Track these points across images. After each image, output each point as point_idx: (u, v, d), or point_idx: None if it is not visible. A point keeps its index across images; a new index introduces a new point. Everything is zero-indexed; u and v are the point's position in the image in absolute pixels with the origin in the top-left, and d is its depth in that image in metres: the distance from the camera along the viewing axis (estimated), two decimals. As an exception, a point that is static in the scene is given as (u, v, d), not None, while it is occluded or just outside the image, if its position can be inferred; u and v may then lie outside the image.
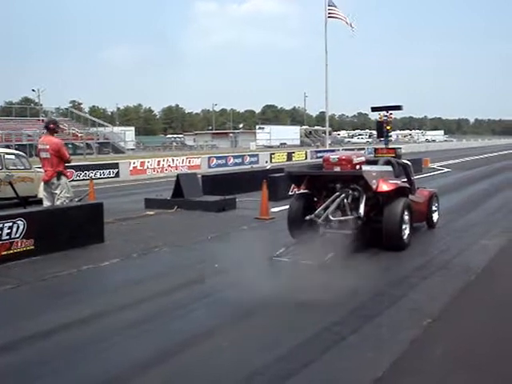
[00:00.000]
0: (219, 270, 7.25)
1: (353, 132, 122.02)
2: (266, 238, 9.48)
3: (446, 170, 28.33)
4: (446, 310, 5.70)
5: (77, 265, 7.72)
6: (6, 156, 14.85)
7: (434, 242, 9.45)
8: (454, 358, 4.55)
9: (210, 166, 30.93)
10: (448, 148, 71.86)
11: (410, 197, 9.36)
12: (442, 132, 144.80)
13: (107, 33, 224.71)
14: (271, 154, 39.61)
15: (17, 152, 17.23)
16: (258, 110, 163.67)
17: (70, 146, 41.72)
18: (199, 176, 15.75)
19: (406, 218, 8.59)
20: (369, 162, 9.48)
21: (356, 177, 8.55)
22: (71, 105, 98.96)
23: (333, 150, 46.75)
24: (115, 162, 27.57)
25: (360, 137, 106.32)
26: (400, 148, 30.62)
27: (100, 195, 15.31)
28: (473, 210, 13.32)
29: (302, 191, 9.53)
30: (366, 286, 6.51)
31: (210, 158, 32.76)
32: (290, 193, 15.57)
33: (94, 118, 69.08)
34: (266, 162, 36.11)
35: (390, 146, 28.87)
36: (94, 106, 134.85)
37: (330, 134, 63.90)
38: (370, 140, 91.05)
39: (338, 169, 8.93)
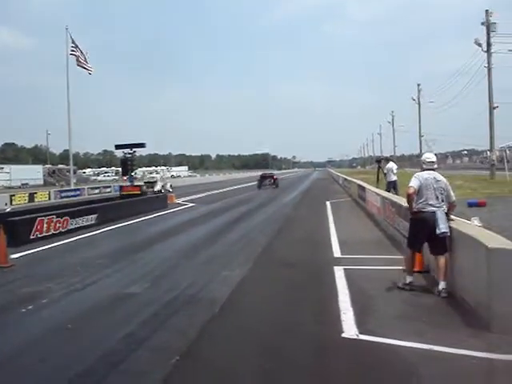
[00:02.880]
0: None
1: (99, 170, 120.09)
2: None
3: (191, 204, 29.25)
4: (193, 345, 5.79)
5: None
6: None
7: (180, 277, 9.57)
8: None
9: None
10: (192, 183, 74.64)
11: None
12: (186, 168, 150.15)
13: None
14: (11, 195, 36.91)
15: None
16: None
17: None
18: None
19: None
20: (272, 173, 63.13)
21: (272, 176, 51.41)
22: None
23: (78, 189, 45.43)
24: None
25: (106, 175, 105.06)
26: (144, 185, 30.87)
27: None
28: (216, 242, 13.92)
29: (260, 178, 50.75)
30: (117, 332, 6.40)
31: None
32: (32, 237, 14.70)
33: None
34: (6, 204, 33.53)
35: (136, 184, 29.22)
36: None
37: (74, 173, 61.96)
38: (116, 177, 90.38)
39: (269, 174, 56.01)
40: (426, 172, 8.00)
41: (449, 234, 7.53)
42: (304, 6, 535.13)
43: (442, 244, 7.64)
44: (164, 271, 10.20)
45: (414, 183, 7.87)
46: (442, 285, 7.45)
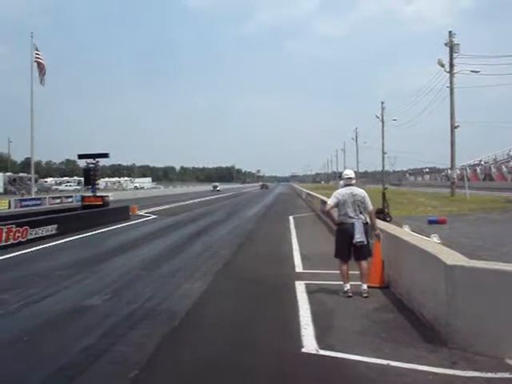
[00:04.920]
0: None
1: (61, 179, 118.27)
2: None
3: (153, 216, 29.09)
4: (152, 358, 5.71)
5: None
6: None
7: (141, 290, 9.44)
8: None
9: None
10: (156, 195, 74.19)
11: None
12: (150, 179, 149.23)
13: None
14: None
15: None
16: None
17: None
18: None
19: None
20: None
21: (266, 185, 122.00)
22: None
23: (39, 199, 44.64)
24: None
25: (68, 184, 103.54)
26: (108, 196, 30.82)
27: None
28: (177, 255, 13.85)
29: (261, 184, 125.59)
30: (75, 344, 6.30)
31: None
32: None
33: None
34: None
35: (98, 194, 28.90)
36: None
37: (36, 182, 60.99)
38: (78, 187, 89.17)
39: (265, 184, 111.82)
40: (344, 188, 8.91)
41: (365, 242, 8.47)
42: (269, 21, 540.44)
43: (362, 251, 8.59)
44: (124, 283, 10.08)
45: (331, 201, 8.90)
46: (363, 287, 8.47)
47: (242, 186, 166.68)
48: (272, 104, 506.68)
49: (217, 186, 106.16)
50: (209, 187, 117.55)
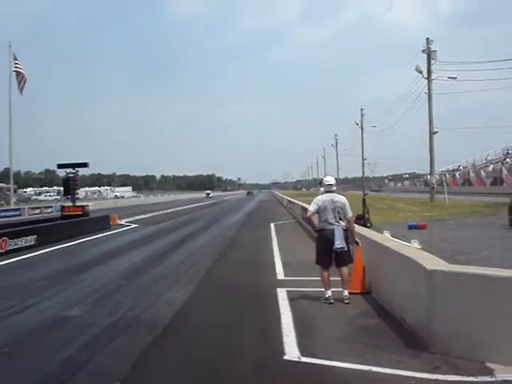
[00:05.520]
0: None
1: (40, 189, 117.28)
2: None
3: (134, 225, 28.96)
4: (134, 369, 5.66)
5: None
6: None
7: (123, 299, 9.36)
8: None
9: None
10: (136, 204, 73.84)
11: None
12: (130, 188, 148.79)
13: None
14: None
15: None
16: None
17: None
18: None
19: None
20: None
21: (251, 192, 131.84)
22: None
23: (18, 209, 44.13)
24: None
25: (48, 194, 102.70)
26: (87, 205, 30.51)
27: None
28: (159, 263, 13.79)
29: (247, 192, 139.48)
30: (56, 356, 6.22)
31: None
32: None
33: None
34: None
35: (78, 204, 28.61)
36: None
37: (15, 192, 60.37)
38: (58, 197, 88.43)
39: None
40: (324, 195, 8.93)
41: (345, 248, 8.48)
42: (250, 28, 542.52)
43: (343, 257, 8.58)
44: (105, 293, 10.00)
45: (311, 208, 8.85)
46: (345, 293, 8.50)
47: (223, 193, 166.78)
48: (253, 111, 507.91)
49: (209, 194, 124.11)
50: (191, 195, 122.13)
